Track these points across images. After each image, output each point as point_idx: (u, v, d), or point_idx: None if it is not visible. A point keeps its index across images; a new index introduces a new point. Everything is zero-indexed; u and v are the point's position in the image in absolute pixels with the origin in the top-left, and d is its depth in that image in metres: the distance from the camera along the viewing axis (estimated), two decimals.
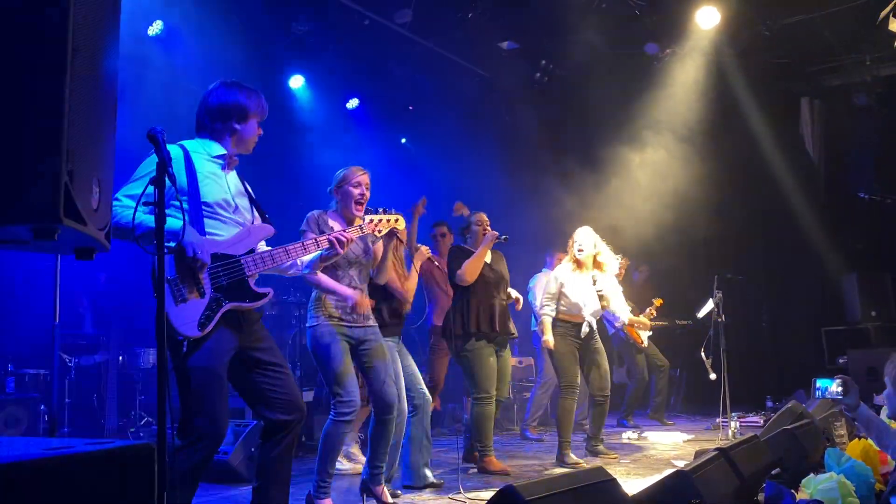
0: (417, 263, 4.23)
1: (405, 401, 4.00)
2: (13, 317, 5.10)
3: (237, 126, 2.71)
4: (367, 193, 3.63)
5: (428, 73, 7.72)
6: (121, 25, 1.75)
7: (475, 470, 4.75)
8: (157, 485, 1.55)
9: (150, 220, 2.32)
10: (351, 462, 4.84)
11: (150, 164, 2.49)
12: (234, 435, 4.49)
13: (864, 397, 3.88)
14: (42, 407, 4.92)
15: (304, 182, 6.56)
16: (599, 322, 5.84)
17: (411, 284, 4.19)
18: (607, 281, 5.26)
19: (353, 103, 8.07)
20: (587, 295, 5.12)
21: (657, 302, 7.05)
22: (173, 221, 2.38)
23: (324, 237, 2.88)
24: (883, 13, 6.02)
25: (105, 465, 1.39)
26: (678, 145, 7.85)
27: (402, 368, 4.05)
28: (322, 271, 3.46)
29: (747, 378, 7.54)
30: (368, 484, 3.72)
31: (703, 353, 6.12)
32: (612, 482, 2.31)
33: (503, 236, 4.79)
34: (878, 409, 3.52)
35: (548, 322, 5.07)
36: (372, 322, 3.64)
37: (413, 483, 4.21)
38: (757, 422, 6.41)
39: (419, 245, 4.42)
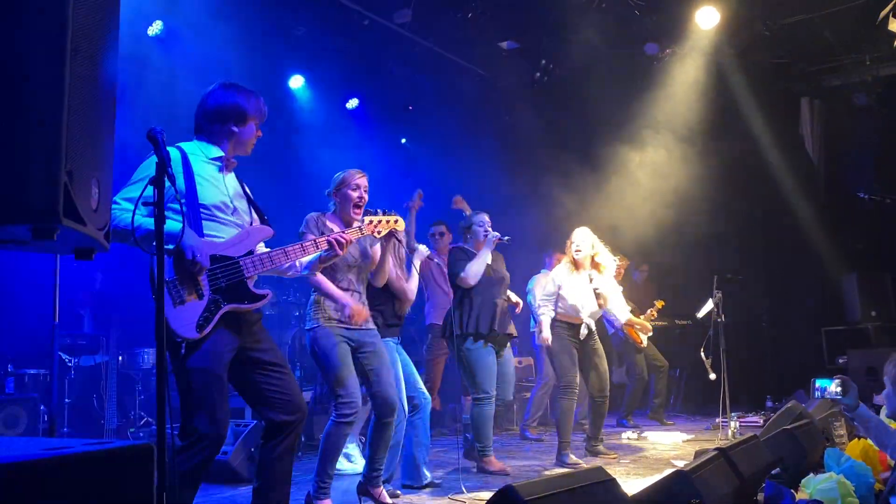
0: (417, 263, 4.23)
1: (405, 402, 4.00)
2: (13, 317, 5.10)
3: (235, 129, 2.70)
4: (366, 196, 3.63)
5: (428, 73, 7.72)
6: (120, 25, 1.75)
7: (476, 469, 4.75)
8: (156, 485, 1.55)
9: (149, 222, 2.32)
10: (350, 463, 4.84)
11: (148, 167, 2.49)
12: (233, 435, 4.49)
13: (864, 397, 3.89)
14: (42, 407, 4.92)
15: (304, 182, 6.56)
16: (599, 322, 5.83)
17: (413, 285, 4.19)
18: (606, 281, 5.25)
19: (352, 103, 8.07)
20: (585, 296, 5.11)
21: (658, 304, 7.05)
22: (172, 224, 2.38)
23: (323, 238, 2.88)
24: (883, 13, 6.02)
25: (104, 465, 1.39)
26: (678, 145, 7.86)
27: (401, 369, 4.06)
28: (321, 274, 3.47)
29: (747, 378, 7.55)
30: (367, 486, 3.72)
31: (702, 353, 6.12)
32: (612, 482, 2.31)
33: (506, 238, 4.77)
34: (877, 408, 3.52)
35: (546, 321, 5.06)
36: (371, 325, 3.65)
37: (412, 482, 4.21)
38: (757, 422, 6.41)
39: (417, 244, 4.42)
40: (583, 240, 5.18)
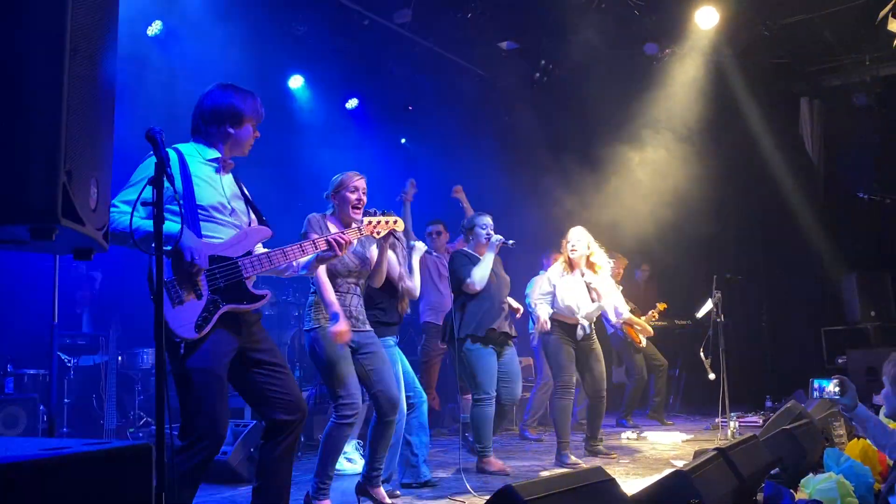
0: (417, 260, 4.24)
1: (404, 401, 4.00)
2: (12, 317, 5.10)
3: (231, 130, 2.70)
4: (364, 198, 3.63)
5: (428, 73, 7.72)
6: (120, 26, 1.75)
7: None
8: (155, 485, 1.55)
9: (147, 224, 2.32)
10: (350, 463, 4.84)
11: (146, 168, 2.49)
12: (233, 435, 4.49)
13: (864, 397, 3.89)
14: (41, 407, 4.91)
15: (303, 183, 6.56)
16: (598, 322, 5.83)
17: (416, 282, 4.21)
18: (602, 281, 5.23)
19: (352, 103, 8.07)
20: (581, 297, 5.10)
21: (660, 306, 7.05)
22: (170, 225, 2.38)
23: (322, 238, 2.88)
24: (882, 13, 6.02)
25: (103, 465, 1.39)
26: (678, 145, 7.86)
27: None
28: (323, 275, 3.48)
29: (746, 378, 7.54)
30: (366, 486, 3.72)
31: (702, 353, 6.12)
32: (611, 482, 2.31)
33: (510, 242, 4.75)
34: (877, 408, 3.52)
35: (543, 315, 5.04)
36: (368, 327, 3.66)
37: (411, 481, 4.22)
38: (756, 422, 6.41)
39: (415, 241, 4.44)
40: (578, 239, 5.17)
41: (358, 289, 3.64)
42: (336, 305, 3.44)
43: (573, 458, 4.95)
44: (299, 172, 7.00)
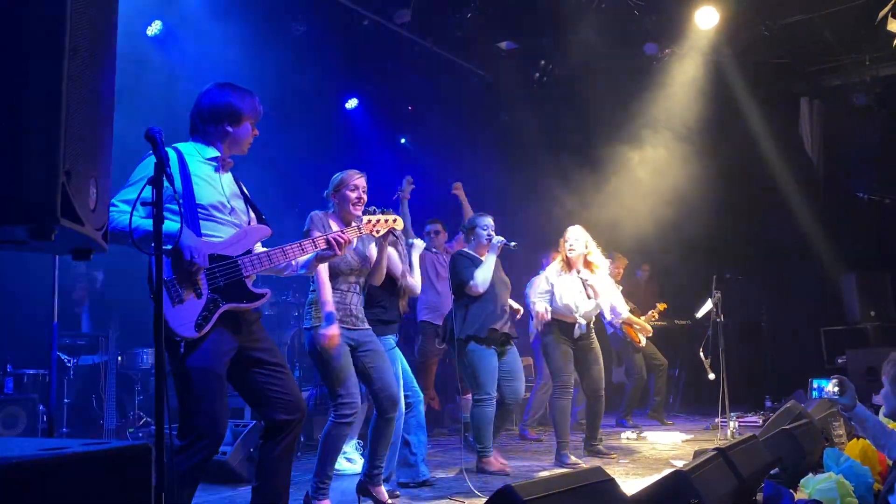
0: (416, 257, 4.25)
1: (403, 400, 4.01)
2: (12, 317, 5.10)
3: (230, 128, 2.70)
4: (365, 197, 3.64)
5: (427, 73, 7.72)
6: (119, 25, 1.75)
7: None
8: (154, 485, 1.55)
9: (147, 223, 2.32)
10: (349, 463, 4.84)
11: (145, 168, 2.50)
12: (232, 435, 4.48)
13: (864, 397, 3.89)
14: (41, 407, 4.91)
15: (303, 183, 6.56)
16: (598, 322, 5.82)
17: (417, 279, 4.22)
18: (599, 280, 5.22)
19: (352, 103, 8.07)
20: (578, 296, 5.09)
21: (661, 306, 7.05)
22: (170, 224, 2.38)
23: (321, 237, 2.88)
24: (882, 13, 6.02)
25: (102, 465, 1.39)
26: (677, 145, 7.86)
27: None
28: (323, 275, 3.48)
29: (746, 378, 7.55)
30: (367, 485, 3.71)
31: (701, 353, 6.12)
32: (611, 482, 2.31)
33: (512, 244, 4.74)
34: (877, 408, 3.52)
35: (542, 307, 5.04)
36: (367, 325, 3.66)
37: (408, 480, 4.22)
38: (756, 422, 6.41)
39: (414, 238, 4.45)
40: (576, 239, 5.16)
41: (358, 287, 3.65)
42: (331, 306, 3.44)
43: (573, 458, 4.95)
44: (299, 172, 7.00)
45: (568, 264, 5.16)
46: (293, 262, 2.90)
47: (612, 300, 5.59)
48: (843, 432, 4.12)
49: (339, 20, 6.82)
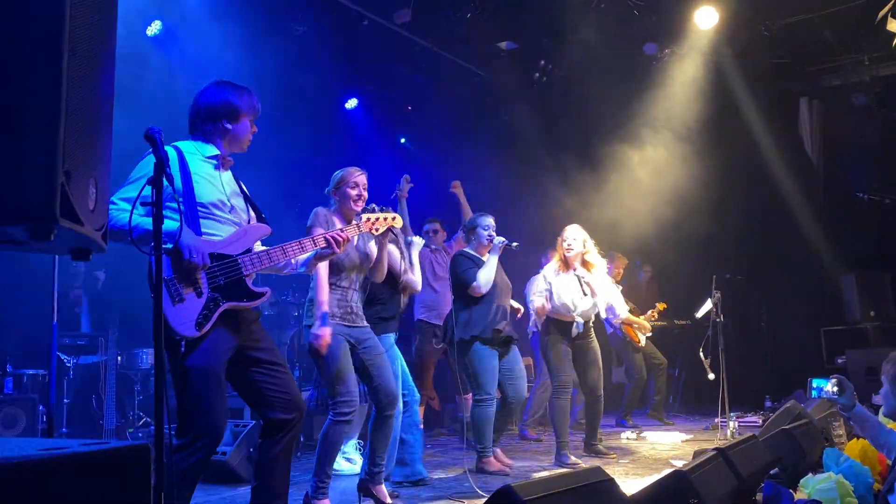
0: (416, 254, 4.26)
1: (401, 398, 4.01)
2: (11, 317, 5.10)
3: (228, 126, 2.71)
4: (365, 194, 3.65)
5: (427, 73, 7.72)
6: (119, 25, 1.75)
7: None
8: (154, 486, 1.55)
9: (146, 222, 2.33)
10: (350, 464, 4.84)
11: (146, 166, 2.50)
12: (232, 435, 4.48)
13: (863, 397, 3.89)
14: (40, 407, 4.91)
15: (303, 183, 6.57)
16: (598, 322, 5.82)
17: (417, 276, 4.24)
18: (597, 280, 5.21)
19: (352, 103, 8.07)
20: (576, 295, 5.09)
21: (660, 306, 7.05)
22: (170, 223, 2.39)
23: (320, 236, 2.89)
24: (882, 13, 6.02)
25: (101, 465, 1.39)
26: (677, 145, 7.86)
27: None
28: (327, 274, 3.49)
29: (746, 378, 7.54)
30: (367, 483, 3.71)
31: (701, 353, 6.12)
32: (610, 482, 2.31)
33: (514, 244, 4.74)
34: (877, 408, 3.52)
35: (540, 302, 5.03)
36: (365, 323, 3.67)
37: (403, 479, 4.22)
38: (755, 422, 6.41)
39: (413, 236, 4.46)
40: (574, 238, 5.16)
41: (358, 284, 3.66)
42: (326, 306, 3.44)
43: (573, 458, 4.95)
44: (299, 172, 7.00)
45: (565, 263, 5.15)
46: (293, 261, 2.90)
47: (609, 299, 5.59)
48: (842, 432, 4.12)
49: (339, 20, 6.82)
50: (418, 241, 4.32)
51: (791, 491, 3.09)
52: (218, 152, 2.72)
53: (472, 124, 8.39)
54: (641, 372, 7.12)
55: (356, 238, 3.52)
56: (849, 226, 7.76)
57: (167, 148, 2.52)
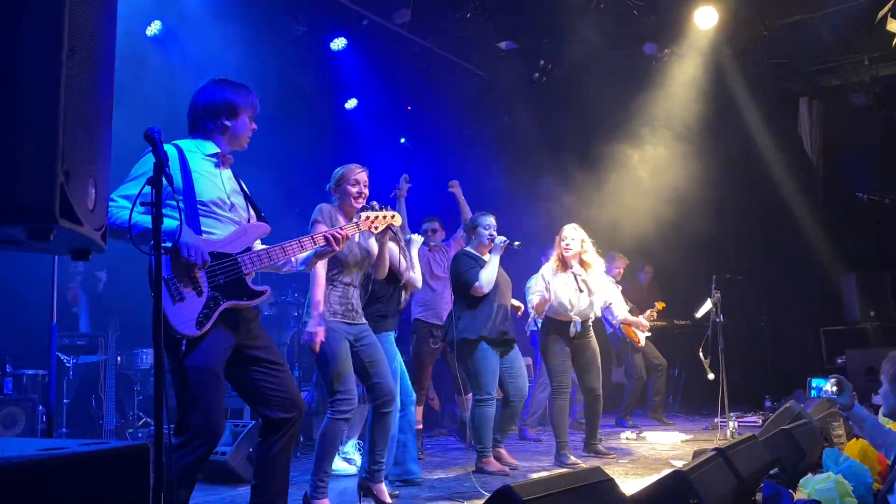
0: (415, 252, 4.27)
1: (397, 396, 4.02)
2: (11, 317, 5.10)
3: (228, 123, 2.71)
4: (366, 191, 3.66)
5: (427, 73, 7.72)
6: (119, 26, 1.75)
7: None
8: (153, 485, 1.55)
9: (145, 220, 2.33)
10: (349, 464, 4.84)
11: (146, 164, 2.50)
12: (232, 435, 4.48)
13: (863, 397, 3.89)
14: (40, 408, 4.91)
15: (303, 183, 6.56)
16: (598, 321, 5.81)
17: (418, 274, 4.25)
18: (594, 278, 5.21)
19: (351, 103, 8.06)
20: (573, 294, 5.09)
21: (659, 305, 7.05)
22: (169, 221, 2.39)
23: (319, 234, 2.89)
24: (881, 13, 6.02)
25: (100, 465, 1.39)
26: (677, 145, 7.86)
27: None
28: (329, 271, 3.49)
29: (746, 378, 7.55)
30: (367, 482, 3.71)
31: (701, 353, 6.12)
32: (610, 482, 2.30)
33: (516, 243, 4.74)
34: (877, 408, 3.52)
35: (537, 298, 5.03)
36: (364, 320, 3.68)
37: (396, 478, 4.22)
38: (755, 422, 6.41)
39: (411, 234, 4.46)
40: (573, 238, 5.16)
41: (359, 280, 3.68)
42: (321, 307, 3.45)
43: (572, 458, 4.95)
44: (299, 172, 7.00)
45: (563, 263, 5.15)
46: (292, 259, 2.91)
47: (607, 298, 5.57)
48: (842, 432, 4.12)
49: (339, 20, 6.82)
50: (417, 239, 4.33)
51: (791, 491, 3.09)
52: (218, 150, 2.72)
53: (473, 124, 8.40)
54: (641, 372, 7.12)
55: (358, 235, 3.53)
56: (849, 226, 7.76)
57: (167, 146, 2.53)
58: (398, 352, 4.22)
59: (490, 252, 4.79)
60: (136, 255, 2.24)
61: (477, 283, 4.66)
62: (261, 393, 2.66)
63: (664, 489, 2.44)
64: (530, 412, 6.66)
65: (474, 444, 4.80)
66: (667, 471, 2.84)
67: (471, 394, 4.87)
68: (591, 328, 5.25)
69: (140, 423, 5.68)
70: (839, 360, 6.74)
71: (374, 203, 3.47)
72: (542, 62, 8.03)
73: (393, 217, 3.32)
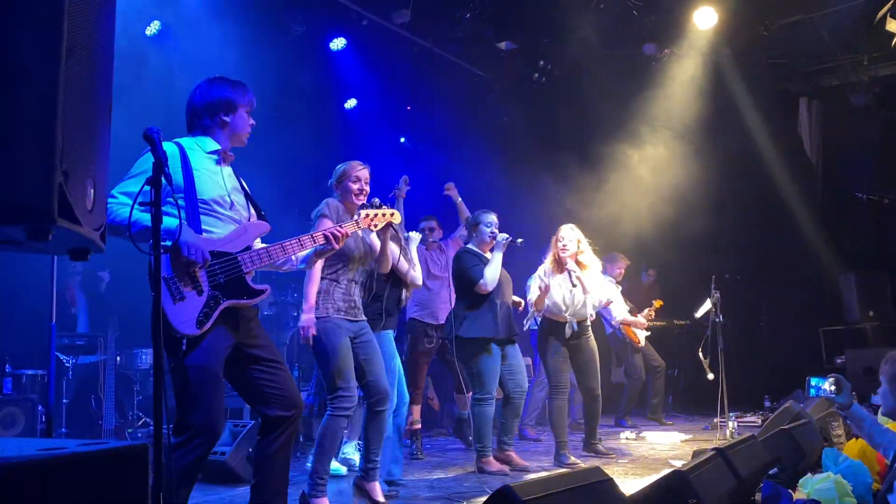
0: (414, 250, 4.27)
1: (394, 394, 4.01)
2: (10, 317, 5.10)
3: (226, 118, 2.72)
4: (367, 188, 3.66)
5: (427, 73, 7.72)
6: (118, 25, 1.74)
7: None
8: (152, 485, 1.55)
9: (145, 218, 2.33)
10: (346, 465, 4.83)
11: (146, 161, 2.50)
12: (231, 435, 4.48)
13: (862, 397, 3.89)
14: (39, 408, 4.91)
15: (303, 182, 6.57)
16: (597, 321, 5.82)
17: (418, 272, 4.26)
18: (590, 277, 5.20)
19: (351, 103, 8.06)
20: (567, 293, 5.09)
21: (657, 304, 7.05)
22: (169, 220, 2.39)
23: (319, 233, 2.89)
24: (881, 13, 6.03)
25: (99, 465, 1.39)
26: (676, 145, 7.86)
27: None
28: (329, 267, 3.50)
29: (745, 378, 7.55)
30: (362, 481, 3.71)
31: (700, 353, 6.12)
32: (609, 482, 2.30)
33: (519, 240, 4.74)
34: (876, 408, 3.52)
35: (535, 294, 5.03)
36: (363, 317, 3.68)
37: (385, 478, 4.21)
38: (755, 422, 6.41)
39: (409, 232, 4.47)
40: (570, 239, 5.16)
41: (360, 276, 3.68)
42: (312, 301, 3.46)
43: (572, 458, 4.95)
44: (298, 172, 7.00)
45: (558, 264, 5.15)
46: (293, 258, 2.91)
47: (603, 297, 5.56)
48: (841, 432, 4.12)
49: (338, 20, 6.82)
50: (415, 237, 4.35)
51: (790, 491, 3.09)
52: (219, 147, 2.72)
53: (472, 124, 8.39)
54: (640, 372, 7.12)
55: (360, 231, 3.53)
56: (848, 226, 7.76)
57: (168, 144, 2.53)
58: (397, 352, 4.22)
59: (492, 250, 4.80)
60: (135, 255, 2.24)
61: (481, 281, 4.66)
62: (260, 391, 2.66)
63: (663, 489, 2.44)
64: (529, 411, 6.65)
65: (474, 443, 4.80)
66: (666, 471, 2.84)
67: (471, 392, 4.88)
68: (589, 328, 5.25)
69: (139, 423, 5.68)
70: (838, 360, 6.74)
71: (376, 200, 3.48)
72: (541, 62, 8.04)
73: (392, 215, 3.32)
